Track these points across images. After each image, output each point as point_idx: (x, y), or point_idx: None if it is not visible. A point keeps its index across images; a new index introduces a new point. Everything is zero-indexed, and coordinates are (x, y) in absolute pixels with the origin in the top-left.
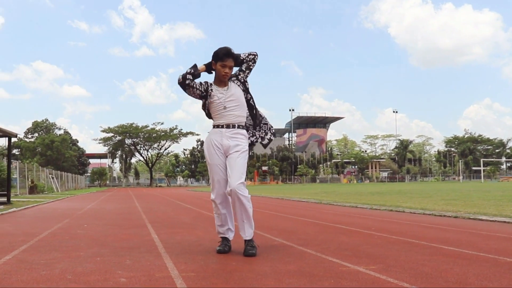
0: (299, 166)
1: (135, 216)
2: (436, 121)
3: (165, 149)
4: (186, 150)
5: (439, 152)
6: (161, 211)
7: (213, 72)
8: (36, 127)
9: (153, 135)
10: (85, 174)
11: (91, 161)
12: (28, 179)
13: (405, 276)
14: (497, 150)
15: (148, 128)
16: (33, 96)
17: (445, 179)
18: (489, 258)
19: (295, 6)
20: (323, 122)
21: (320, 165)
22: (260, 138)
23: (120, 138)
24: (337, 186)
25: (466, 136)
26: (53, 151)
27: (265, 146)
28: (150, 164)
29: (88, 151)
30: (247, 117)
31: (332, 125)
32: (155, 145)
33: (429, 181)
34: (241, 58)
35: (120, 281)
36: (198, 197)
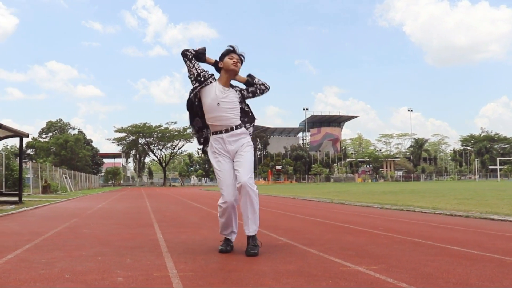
0: (313, 165)
1: (143, 216)
2: (452, 119)
3: (179, 149)
4: (199, 149)
5: (455, 151)
6: (170, 211)
7: (219, 72)
8: (50, 127)
9: (167, 135)
10: (99, 174)
11: (105, 160)
12: (41, 179)
13: (405, 277)
14: None
15: (162, 127)
16: (48, 96)
17: (461, 178)
18: (494, 258)
19: (309, 5)
20: (338, 121)
21: (334, 164)
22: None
23: (133, 137)
24: (350, 185)
25: (482, 134)
26: (67, 151)
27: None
28: (163, 164)
29: (103, 150)
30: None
31: (346, 124)
32: (169, 145)
33: (445, 180)
34: (254, 81)
35: (117, 281)
36: (210, 197)
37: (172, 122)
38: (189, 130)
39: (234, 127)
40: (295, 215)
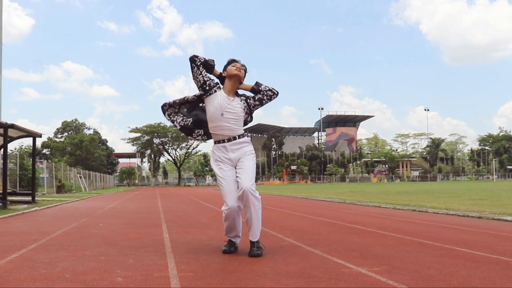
0: (328, 165)
1: (153, 216)
2: (469, 119)
3: (193, 149)
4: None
5: (472, 151)
6: (181, 211)
7: (223, 83)
8: (66, 127)
9: (181, 135)
10: (114, 174)
11: (121, 160)
12: (55, 179)
13: (407, 279)
14: None
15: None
16: (64, 96)
17: (479, 179)
18: (501, 260)
19: (324, 4)
20: (353, 121)
21: (350, 164)
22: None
23: (148, 137)
24: (366, 185)
25: (501, 134)
26: (82, 150)
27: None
28: (178, 164)
29: (118, 150)
30: None
31: (362, 123)
32: (183, 145)
33: (462, 180)
34: (260, 88)
35: (116, 281)
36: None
37: None
38: None
39: (237, 137)
40: (305, 215)
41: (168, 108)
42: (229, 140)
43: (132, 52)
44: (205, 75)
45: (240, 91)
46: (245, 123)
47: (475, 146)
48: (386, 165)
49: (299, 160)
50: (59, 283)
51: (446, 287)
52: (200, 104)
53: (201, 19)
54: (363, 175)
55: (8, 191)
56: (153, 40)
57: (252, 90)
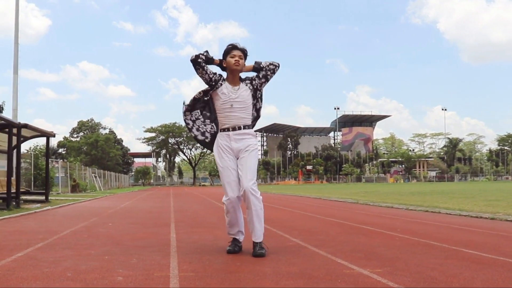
0: (344, 165)
1: (163, 215)
2: (488, 118)
3: None
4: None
5: (491, 151)
6: (192, 210)
7: (226, 71)
8: (82, 126)
9: None
10: (130, 173)
11: (136, 160)
12: (70, 178)
13: (408, 280)
14: None
15: None
16: (80, 96)
17: (497, 179)
18: (507, 262)
19: (340, 3)
20: (369, 121)
21: (366, 164)
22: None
23: (163, 137)
24: (381, 185)
25: None
26: (97, 150)
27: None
28: (193, 164)
29: (134, 150)
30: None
31: (378, 123)
32: (198, 145)
33: (480, 181)
34: (261, 65)
35: (116, 280)
36: None
37: None
38: None
39: (242, 127)
40: (316, 215)
41: (186, 116)
42: (233, 129)
43: (148, 52)
44: (210, 71)
45: (243, 74)
46: (258, 111)
47: (494, 146)
48: (403, 165)
49: (314, 160)
50: (60, 281)
51: None
52: (205, 98)
53: (217, 18)
54: (379, 175)
55: (21, 190)
56: (169, 40)
57: (254, 69)
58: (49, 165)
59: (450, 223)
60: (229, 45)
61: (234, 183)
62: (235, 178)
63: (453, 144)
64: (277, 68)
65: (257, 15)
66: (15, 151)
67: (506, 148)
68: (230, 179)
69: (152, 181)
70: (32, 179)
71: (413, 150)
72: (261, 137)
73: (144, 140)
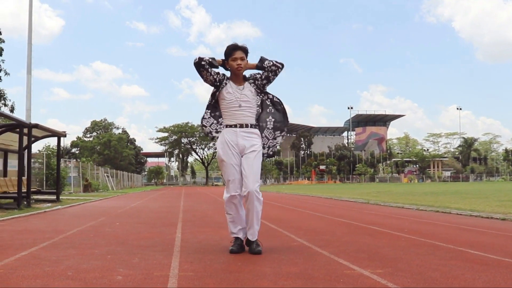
0: (357, 165)
1: (171, 215)
2: (505, 118)
3: None
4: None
5: (507, 151)
6: (201, 210)
7: (229, 70)
8: (95, 126)
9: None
10: (143, 173)
11: (150, 160)
12: (82, 178)
13: (408, 281)
14: None
15: None
16: (93, 96)
17: None
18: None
19: (354, 2)
20: (383, 120)
21: (380, 164)
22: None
23: (176, 137)
24: (394, 185)
25: None
26: (110, 150)
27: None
28: (206, 163)
29: (148, 150)
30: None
31: (392, 123)
32: (211, 144)
33: (495, 181)
34: (264, 65)
35: (116, 279)
36: None
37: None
38: None
39: (249, 125)
40: (324, 215)
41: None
42: (241, 126)
43: (161, 52)
44: (214, 73)
45: (247, 72)
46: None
47: (510, 146)
48: (417, 165)
49: (328, 160)
50: (60, 280)
51: None
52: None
53: (230, 18)
54: (393, 175)
55: (32, 190)
56: (182, 39)
57: (257, 67)
58: (62, 165)
59: (459, 223)
60: (230, 45)
61: (238, 181)
62: (239, 175)
63: (468, 143)
64: (279, 69)
65: (270, 14)
66: (26, 151)
67: None
68: (235, 176)
69: (165, 180)
70: (44, 179)
71: (428, 150)
72: None
73: (156, 140)
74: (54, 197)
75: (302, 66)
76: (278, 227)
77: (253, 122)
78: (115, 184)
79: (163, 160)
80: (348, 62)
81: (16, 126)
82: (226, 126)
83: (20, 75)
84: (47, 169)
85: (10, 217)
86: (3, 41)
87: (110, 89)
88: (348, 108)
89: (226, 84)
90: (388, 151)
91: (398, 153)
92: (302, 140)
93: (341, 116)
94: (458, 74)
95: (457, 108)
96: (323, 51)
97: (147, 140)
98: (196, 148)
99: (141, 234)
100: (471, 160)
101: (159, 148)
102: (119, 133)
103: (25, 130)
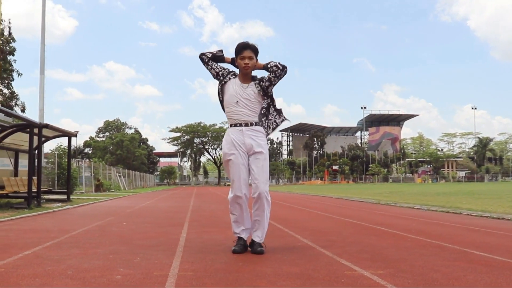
0: (370, 165)
1: (179, 215)
2: None
3: None
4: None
5: None
6: (209, 210)
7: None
8: (107, 126)
9: (222, 134)
10: (155, 173)
11: (162, 159)
12: (94, 178)
13: (408, 282)
14: None
15: (216, 127)
16: (106, 96)
17: None
18: None
19: (367, 1)
20: (397, 120)
21: (393, 164)
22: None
23: (188, 137)
24: (407, 186)
25: None
26: (123, 150)
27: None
28: (218, 163)
29: (161, 150)
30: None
31: (406, 123)
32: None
33: (511, 181)
34: (268, 66)
35: (115, 278)
36: None
37: (227, 121)
38: None
39: (254, 123)
40: (333, 216)
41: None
42: (246, 125)
43: (174, 52)
44: (216, 67)
45: (259, 74)
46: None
47: None
48: (431, 165)
49: (341, 160)
50: (59, 279)
51: None
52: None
53: (242, 18)
54: (406, 175)
55: (43, 189)
56: (195, 39)
57: (264, 68)
58: (74, 165)
59: (468, 224)
60: (240, 43)
61: (244, 181)
62: (245, 175)
63: (483, 143)
64: (279, 70)
65: (283, 14)
66: (36, 151)
67: None
68: (240, 176)
69: (177, 180)
70: (56, 179)
71: (442, 149)
72: (287, 136)
73: (169, 140)
74: (65, 196)
75: (315, 65)
76: (284, 227)
77: (255, 120)
78: (127, 184)
79: (176, 160)
80: (362, 62)
81: (27, 126)
82: (231, 125)
83: (34, 75)
84: (58, 169)
85: (19, 217)
86: (15, 41)
87: (123, 89)
88: (362, 107)
89: (230, 79)
90: (402, 151)
91: (412, 153)
92: (315, 140)
93: (355, 116)
94: (473, 73)
95: (472, 108)
96: (336, 50)
97: (160, 140)
98: (209, 148)
99: (146, 234)
100: (486, 160)
101: (172, 148)
102: (131, 133)
103: (36, 130)
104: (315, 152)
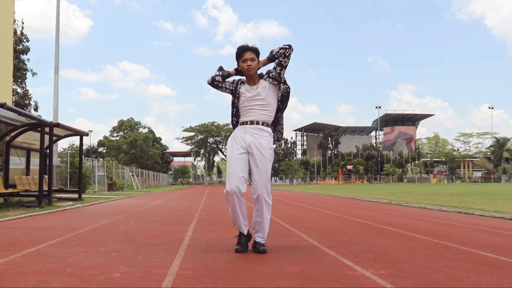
0: (385, 165)
1: (188, 214)
2: None
3: None
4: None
5: None
6: (219, 209)
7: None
8: (121, 125)
9: None
10: (169, 172)
11: (176, 159)
12: (106, 177)
13: (408, 283)
14: None
15: (229, 126)
16: (120, 96)
17: None
18: None
19: (382, 0)
20: (412, 120)
21: (408, 164)
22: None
23: (202, 137)
24: (422, 186)
25: None
26: (136, 149)
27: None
28: None
29: (175, 149)
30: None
31: (422, 122)
32: None
33: None
34: (273, 53)
35: (113, 276)
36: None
37: None
38: None
39: (261, 122)
40: (342, 215)
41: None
42: (251, 123)
43: (188, 52)
44: (229, 85)
45: (264, 70)
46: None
47: None
48: (446, 165)
49: (355, 160)
50: (57, 277)
51: None
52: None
53: (257, 17)
54: (421, 175)
55: (55, 188)
56: (209, 39)
57: (269, 60)
58: (88, 164)
59: (479, 225)
60: (239, 47)
61: (238, 177)
62: (240, 169)
63: (500, 143)
64: (287, 50)
65: (297, 13)
66: (47, 150)
67: None
68: (234, 170)
69: (191, 180)
70: (68, 177)
71: (458, 150)
72: (301, 136)
73: (182, 140)
74: (76, 195)
75: (329, 65)
76: (291, 226)
77: (267, 120)
78: (140, 183)
79: (190, 160)
80: (377, 61)
81: (38, 125)
82: (239, 124)
83: (49, 75)
84: (71, 167)
85: (27, 215)
86: (28, 40)
87: (137, 89)
88: (376, 107)
89: (240, 87)
90: (417, 151)
91: (427, 153)
92: (329, 139)
93: (369, 116)
94: (490, 72)
95: (489, 107)
96: (351, 50)
97: (173, 140)
98: (222, 148)
99: (152, 233)
100: (503, 160)
101: (186, 148)
102: (145, 133)
103: (47, 129)
104: (329, 152)
